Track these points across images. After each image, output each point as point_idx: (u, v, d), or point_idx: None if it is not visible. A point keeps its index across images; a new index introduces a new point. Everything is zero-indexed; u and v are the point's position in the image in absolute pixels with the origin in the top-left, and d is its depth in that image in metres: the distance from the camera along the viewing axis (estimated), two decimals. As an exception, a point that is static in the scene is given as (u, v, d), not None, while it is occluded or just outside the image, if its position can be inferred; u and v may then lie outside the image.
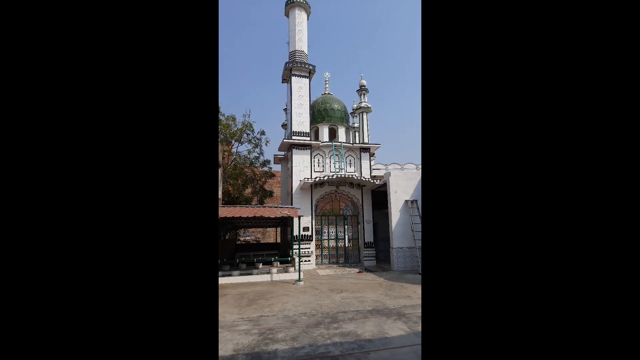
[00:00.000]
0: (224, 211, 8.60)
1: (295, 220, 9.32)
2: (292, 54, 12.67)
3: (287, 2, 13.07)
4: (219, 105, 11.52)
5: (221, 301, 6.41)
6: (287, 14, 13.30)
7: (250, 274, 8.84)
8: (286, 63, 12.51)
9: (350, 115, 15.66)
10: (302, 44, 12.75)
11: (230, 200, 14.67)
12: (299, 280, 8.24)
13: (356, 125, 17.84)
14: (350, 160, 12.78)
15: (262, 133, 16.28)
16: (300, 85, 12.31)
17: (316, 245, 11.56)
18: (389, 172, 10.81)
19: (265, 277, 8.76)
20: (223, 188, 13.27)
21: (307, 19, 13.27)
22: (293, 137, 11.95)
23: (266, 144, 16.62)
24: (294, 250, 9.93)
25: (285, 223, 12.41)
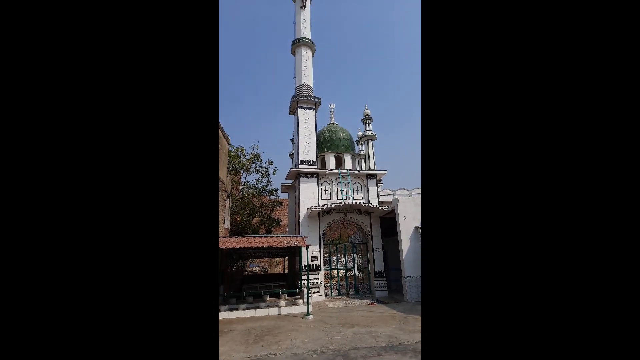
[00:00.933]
0: (232, 242, 8.57)
1: (303, 249, 9.17)
2: (299, 88, 13.34)
3: (293, 41, 14.05)
4: (229, 137, 11.97)
5: (227, 338, 6.15)
6: (293, 52, 14.23)
7: (258, 307, 8.54)
8: (293, 97, 13.13)
9: (355, 143, 15.98)
10: (307, 78, 13.47)
11: (238, 230, 14.64)
12: (308, 313, 7.90)
13: (362, 152, 18.10)
14: (357, 187, 12.80)
15: (270, 163, 16.65)
16: (306, 116, 12.80)
17: (325, 276, 11.20)
18: (397, 199, 10.73)
19: (272, 311, 8.44)
20: (231, 218, 13.32)
21: (313, 56, 14.14)
22: (300, 166, 12.16)
23: (274, 173, 16.93)
24: (302, 282, 9.64)
25: (293, 252, 12.20)
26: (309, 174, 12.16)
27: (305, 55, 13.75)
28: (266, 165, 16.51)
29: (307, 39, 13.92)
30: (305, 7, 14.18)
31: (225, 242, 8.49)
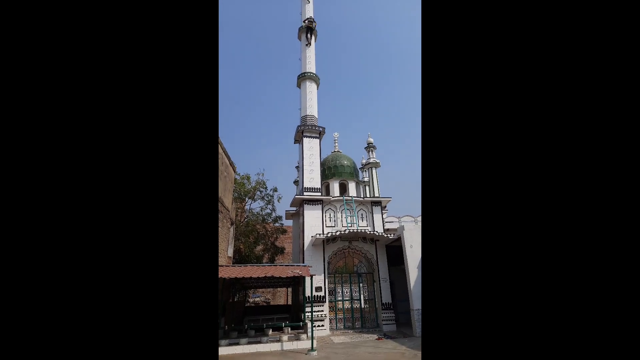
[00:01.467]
0: (234, 271, 8.42)
1: (307, 279, 8.92)
2: (304, 118, 13.85)
3: (299, 75, 14.86)
4: (235, 165, 12.25)
5: (226, 375, 5.81)
6: (299, 85, 14.99)
7: (260, 342, 8.14)
8: (298, 126, 13.60)
9: (359, 171, 16.13)
10: (312, 109, 14.03)
11: (241, 259, 14.40)
12: (312, 349, 7.49)
13: (366, 179, 18.21)
14: (362, 215, 12.71)
15: (275, 190, 16.78)
16: (311, 145, 13.13)
17: (330, 308, 10.75)
18: (403, 226, 10.58)
19: (275, 346, 8.02)
20: (235, 246, 13.18)
21: (317, 89, 14.85)
22: (305, 193, 12.23)
23: (278, 201, 16.98)
24: (306, 314, 9.25)
25: (296, 282, 11.85)
26: (313, 201, 12.19)
27: (310, 88, 14.46)
28: (271, 192, 16.63)
29: (312, 73, 14.71)
30: (310, 45, 15.18)
31: (228, 271, 8.35)
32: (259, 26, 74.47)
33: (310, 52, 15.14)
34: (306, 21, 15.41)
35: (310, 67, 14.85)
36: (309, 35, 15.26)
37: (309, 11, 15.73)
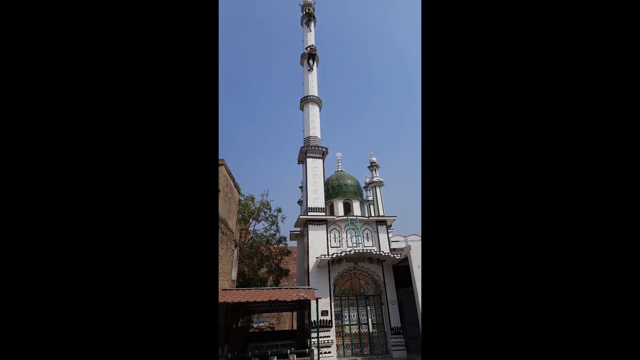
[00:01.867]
0: (238, 295, 8.25)
1: (313, 303, 8.67)
2: (307, 139, 14.12)
3: (302, 99, 15.35)
4: (240, 187, 12.36)
5: (229, 408, 5.51)
6: (301, 108, 15.43)
7: (264, 371, 7.79)
8: (301, 147, 13.84)
9: (363, 190, 16.13)
10: (315, 130, 14.33)
11: (245, 282, 14.12)
12: (319, 379, 7.12)
13: (370, 198, 18.15)
14: (367, 234, 12.54)
15: (279, 210, 16.74)
16: (314, 165, 13.28)
17: (337, 332, 10.34)
18: (409, 246, 10.38)
19: (280, 375, 7.66)
20: (238, 268, 12.98)
21: (319, 111, 15.25)
22: (309, 213, 12.19)
23: (282, 221, 16.88)
24: (312, 340, 8.89)
25: (302, 306, 11.49)
26: (317, 221, 12.12)
27: (313, 110, 14.86)
28: (275, 213, 16.58)
29: (314, 96, 15.18)
30: (312, 70, 15.79)
31: (231, 295, 8.17)
32: (264, 48, 78.11)
33: (312, 77, 15.71)
34: (308, 48, 16.14)
35: (313, 90, 15.35)
36: (310, 61, 15.92)
37: (311, 39, 16.52)
